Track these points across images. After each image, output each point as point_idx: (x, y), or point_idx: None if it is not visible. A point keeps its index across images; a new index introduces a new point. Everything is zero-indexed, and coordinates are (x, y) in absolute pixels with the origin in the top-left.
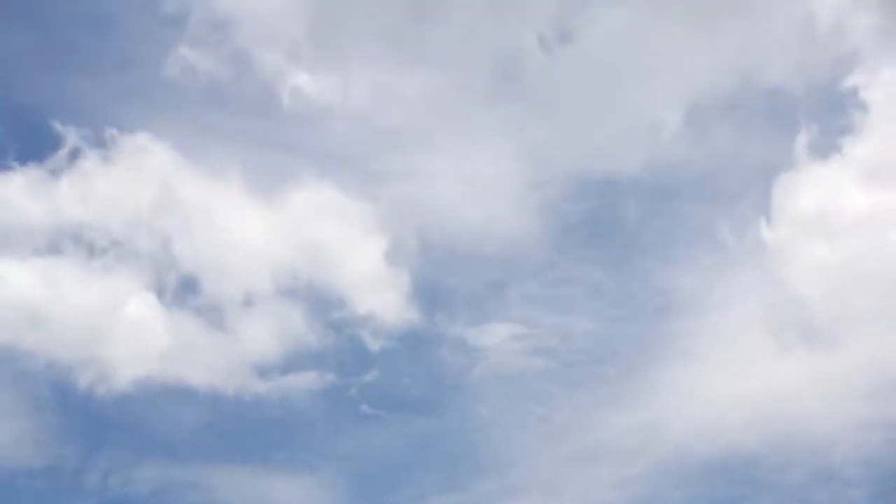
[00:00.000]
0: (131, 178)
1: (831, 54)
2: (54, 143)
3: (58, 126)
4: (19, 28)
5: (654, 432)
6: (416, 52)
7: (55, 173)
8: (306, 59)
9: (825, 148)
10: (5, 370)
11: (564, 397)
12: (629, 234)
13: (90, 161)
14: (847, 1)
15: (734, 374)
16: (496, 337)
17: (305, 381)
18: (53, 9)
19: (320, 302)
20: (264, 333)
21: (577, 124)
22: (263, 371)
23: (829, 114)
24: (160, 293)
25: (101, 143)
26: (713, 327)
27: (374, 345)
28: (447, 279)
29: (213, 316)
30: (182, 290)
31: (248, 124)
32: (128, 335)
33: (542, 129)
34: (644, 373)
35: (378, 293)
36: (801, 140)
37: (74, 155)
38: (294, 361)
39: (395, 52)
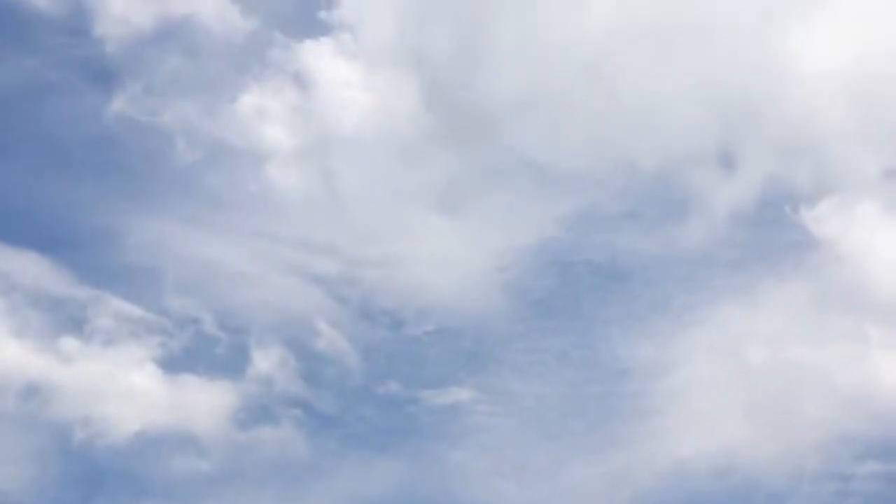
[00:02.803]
0: None
1: None
2: None
3: None
4: None
5: (621, 479)
6: None
7: None
8: None
9: None
10: (12, 425)
11: (537, 448)
12: (590, 309)
13: None
14: None
15: (694, 428)
16: (470, 396)
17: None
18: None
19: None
20: None
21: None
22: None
23: None
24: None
25: None
26: (671, 387)
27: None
28: (421, 350)
29: None
30: None
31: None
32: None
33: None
34: (610, 428)
35: None
36: None
37: None
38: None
39: None
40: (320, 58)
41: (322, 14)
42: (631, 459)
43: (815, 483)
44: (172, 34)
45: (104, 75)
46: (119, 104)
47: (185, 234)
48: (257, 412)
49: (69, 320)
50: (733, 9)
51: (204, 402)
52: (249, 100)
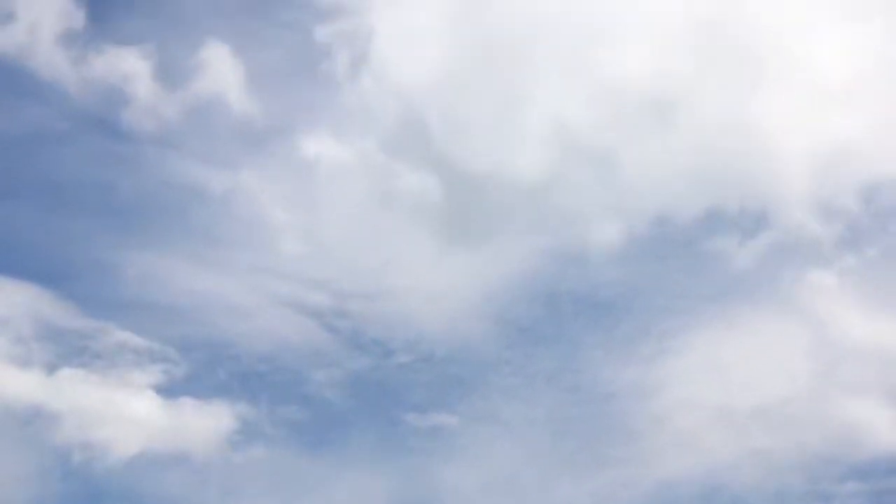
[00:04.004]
0: None
1: None
2: None
3: None
4: None
5: (609, 498)
6: None
7: None
8: None
9: None
10: (16, 448)
11: (525, 467)
12: (575, 335)
13: None
14: None
15: (678, 449)
16: (459, 418)
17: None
18: None
19: None
20: None
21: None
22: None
23: None
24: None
25: None
26: (655, 410)
27: None
28: (411, 376)
29: None
30: None
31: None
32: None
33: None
34: (596, 448)
35: None
36: None
37: None
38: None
39: None
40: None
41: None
42: (617, 479)
43: (798, 503)
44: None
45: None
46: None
47: (184, 268)
48: (253, 434)
49: (71, 350)
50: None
51: (201, 426)
52: None
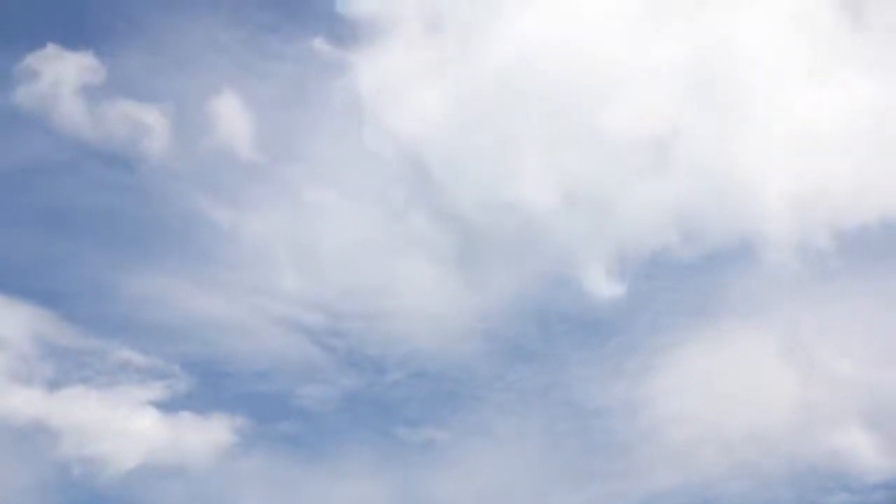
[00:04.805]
0: None
1: None
2: None
3: None
4: None
5: None
6: None
7: None
8: None
9: None
10: (17, 462)
11: (518, 479)
12: (565, 353)
13: None
14: None
15: (667, 463)
16: (451, 432)
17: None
18: None
19: None
20: None
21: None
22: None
23: None
24: None
25: None
26: (644, 425)
27: None
28: (404, 391)
29: None
30: None
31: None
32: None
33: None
34: (587, 462)
35: None
36: None
37: None
38: None
39: None
40: None
41: None
42: (608, 492)
43: None
44: None
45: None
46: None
47: (185, 289)
48: (249, 447)
49: (72, 368)
50: None
51: (199, 440)
52: None
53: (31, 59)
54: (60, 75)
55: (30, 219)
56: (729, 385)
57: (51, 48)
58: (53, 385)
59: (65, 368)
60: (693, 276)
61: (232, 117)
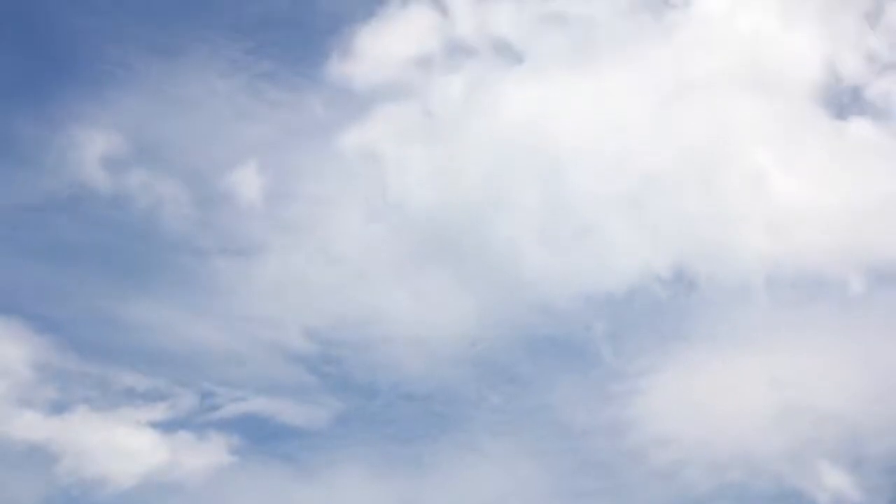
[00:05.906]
0: None
1: None
2: None
3: None
4: None
5: None
6: None
7: None
8: None
9: None
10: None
11: (509, 494)
12: (552, 376)
13: None
14: None
15: (656, 483)
16: (442, 452)
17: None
18: None
19: None
20: None
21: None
22: None
23: None
24: None
25: None
26: (631, 445)
27: None
28: (395, 413)
29: None
30: None
31: None
32: None
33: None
34: (576, 481)
35: None
36: None
37: None
38: None
39: None
40: None
41: None
42: None
43: None
44: None
45: None
46: None
47: (182, 317)
48: (244, 464)
49: (72, 391)
50: None
51: (197, 459)
52: None
53: None
54: None
55: (35, 251)
56: (715, 407)
57: None
58: (54, 408)
59: (66, 392)
60: (677, 302)
61: (250, 184)
